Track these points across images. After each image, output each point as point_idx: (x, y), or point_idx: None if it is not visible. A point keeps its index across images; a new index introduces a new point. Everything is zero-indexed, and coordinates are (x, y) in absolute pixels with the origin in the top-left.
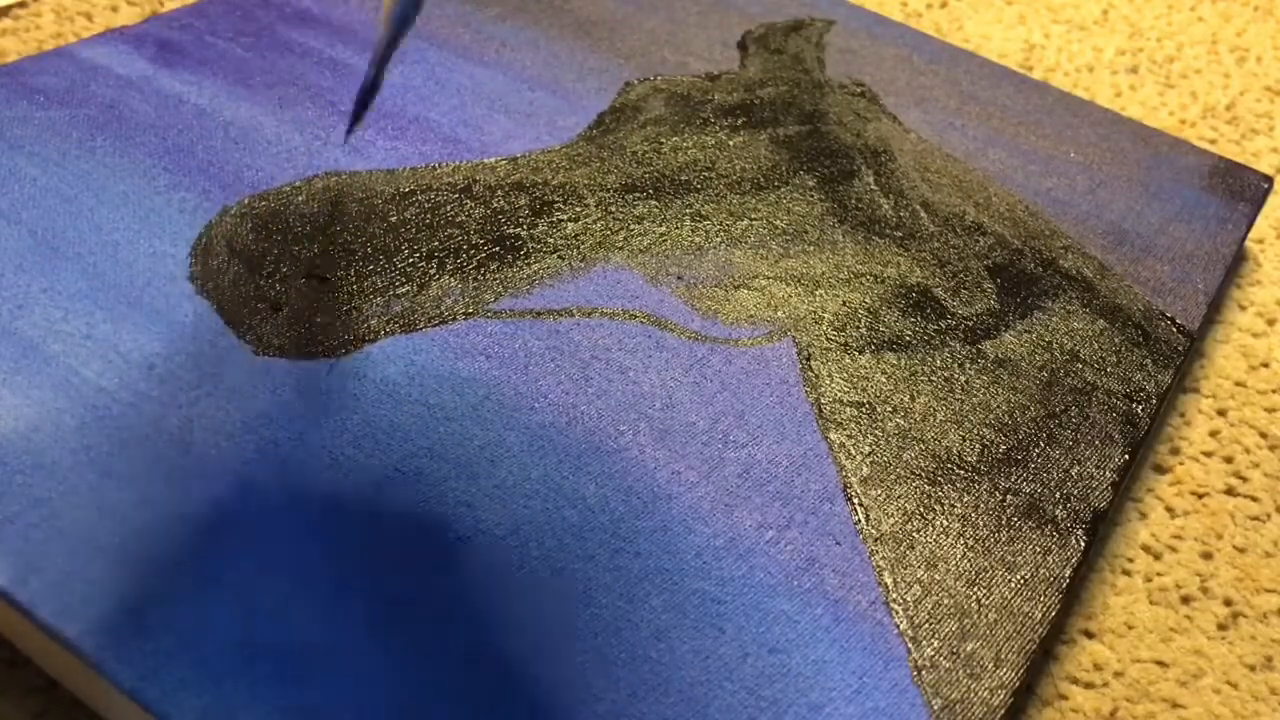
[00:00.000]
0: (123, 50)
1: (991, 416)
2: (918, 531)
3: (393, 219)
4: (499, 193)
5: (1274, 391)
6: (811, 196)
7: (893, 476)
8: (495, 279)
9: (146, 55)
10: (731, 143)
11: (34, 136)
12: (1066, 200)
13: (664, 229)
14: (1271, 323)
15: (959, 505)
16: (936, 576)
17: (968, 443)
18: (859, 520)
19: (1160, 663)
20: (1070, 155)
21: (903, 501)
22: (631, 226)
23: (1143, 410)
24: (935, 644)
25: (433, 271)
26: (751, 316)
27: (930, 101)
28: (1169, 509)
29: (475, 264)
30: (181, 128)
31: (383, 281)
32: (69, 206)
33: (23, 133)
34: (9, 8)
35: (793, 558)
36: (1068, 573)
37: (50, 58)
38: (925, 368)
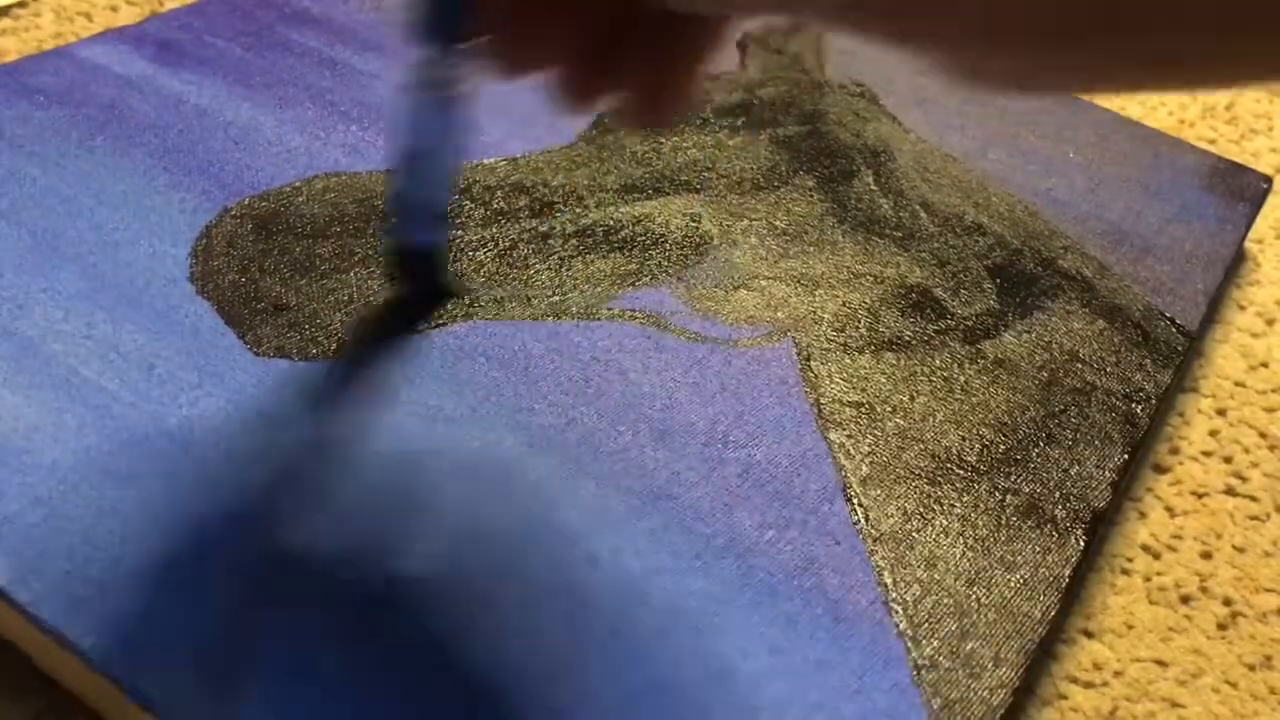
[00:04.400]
0: (122, 50)
1: (991, 416)
2: (917, 531)
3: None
4: (499, 193)
5: (1273, 391)
6: (811, 197)
7: (892, 476)
8: (495, 279)
9: (146, 55)
10: (731, 143)
11: (34, 136)
12: (1066, 200)
13: None
14: (1271, 323)
15: (958, 505)
16: (936, 576)
17: (967, 443)
18: (859, 520)
19: (1160, 662)
20: (1070, 155)
21: (902, 501)
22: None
23: (1142, 410)
24: (935, 643)
25: None
26: (751, 317)
27: (930, 102)
28: (1168, 509)
29: (475, 265)
30: (181, 128)
31: (382, 282)
32: (69, 206)
33: (22, 132)
34: (8, 7)
35: (793, 558)
36: (1067, 572)
37: (50, 57)
38: (925, 368)
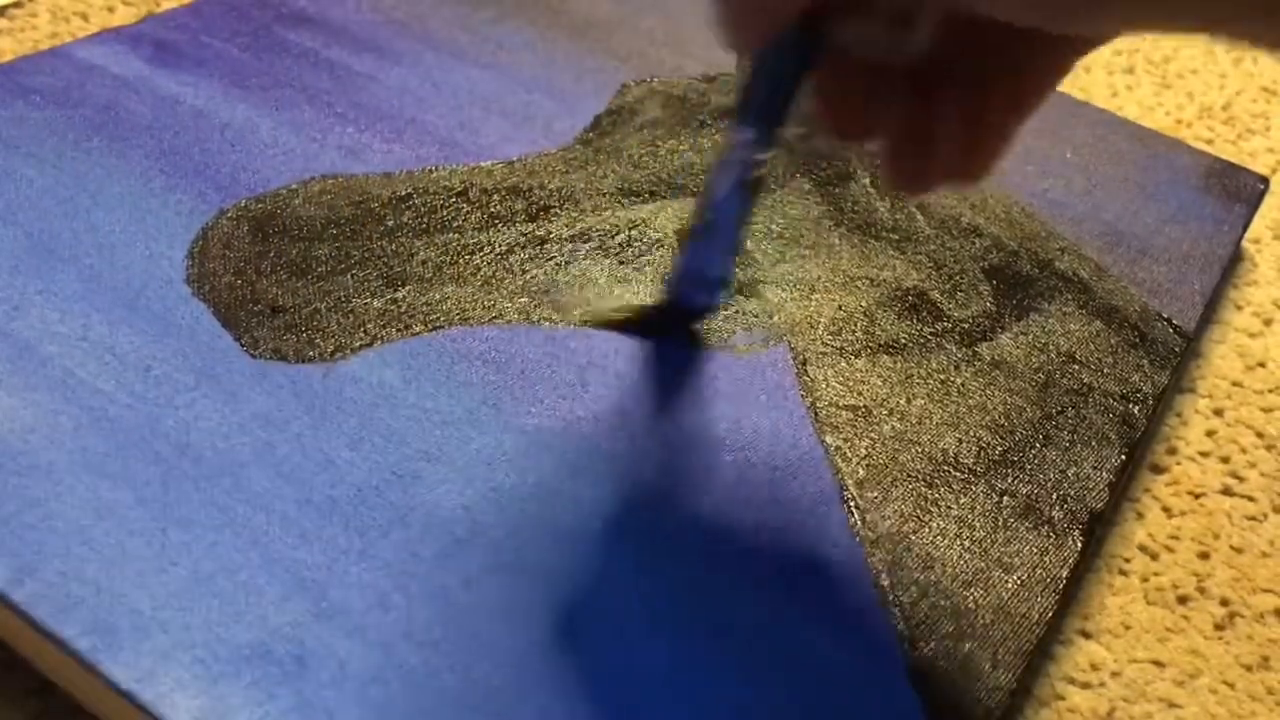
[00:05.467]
0: (119, 50)
1: (988, 418)
2: (914, 533)
3: (389, 223)
4: (495, 196)
5: (1270, 391)
6: (808, 199)
7: (889, 479)
8: (492, 282)
9: (143, 56)
10: None
11: (30, 137)
12: (1063, 201)
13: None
14: (1268, 323)
15: (955, 507)
16: (933, 578)
17: (964, 445)
18: (855, 523)
19: (1157, 663)
20: (1066, 156)
21: (899, 504)
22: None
23: (1139, 411)
24: (932, 645)
25: (429, 276)
26: (747, 321)
27: None
28: (1166, 509)
29: (472, 269)
30: (178, 129)
31: (379, 285)
32: (65, 208)
33: (18, 133)
34: (4, 7)
35: (790, 561)
36: (1064, 573)
37: (46, 58)
38: (921, 370)
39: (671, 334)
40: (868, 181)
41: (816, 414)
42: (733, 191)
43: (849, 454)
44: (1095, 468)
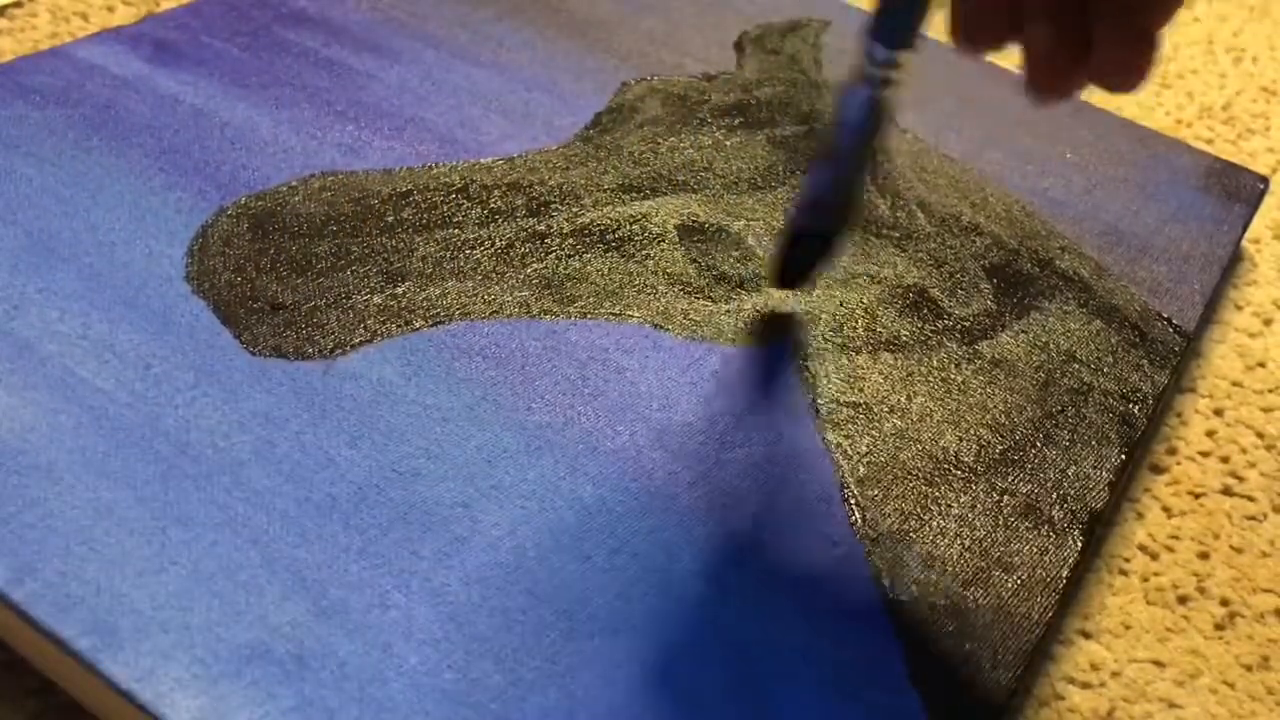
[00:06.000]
0: (119, 50)
1: (988, 417)
2: (915, 532)
3: (389, 219)
4: (496, 193)
5: (1270, 391)
6: None
7: (890, 477)
8: (493, 277)
9: (142, 55)
10: (728, 143)
11: (30, 136)
12: (1063, 200)
13: None
14: (1268, 323)
15: (956, 506)
16: (933, 577)
17: (965, 443)
18: (856, 521)
19: (1157, 663)
20: (1067, 156)
21: (900, 502)
22: None
23: (1139, 410)
24: (933, 644)
25: (429, 271)
26: (749, 316)
27: (927, 102)
28: (1166, 509)
29: (472, 264)
30: (178, 128)
31: (379, 281)
32: (65, 206)
33: (18, 132)
34: (5, 7)
35: (790, 558)
36: (1065, 573)
37: (46, 57)
38: (922, 368)
39: (795, 275)
40: (868, 180)
41: (817, 411)
42: (860, 111)
43: (850, 451)
44: (1095, 467)
